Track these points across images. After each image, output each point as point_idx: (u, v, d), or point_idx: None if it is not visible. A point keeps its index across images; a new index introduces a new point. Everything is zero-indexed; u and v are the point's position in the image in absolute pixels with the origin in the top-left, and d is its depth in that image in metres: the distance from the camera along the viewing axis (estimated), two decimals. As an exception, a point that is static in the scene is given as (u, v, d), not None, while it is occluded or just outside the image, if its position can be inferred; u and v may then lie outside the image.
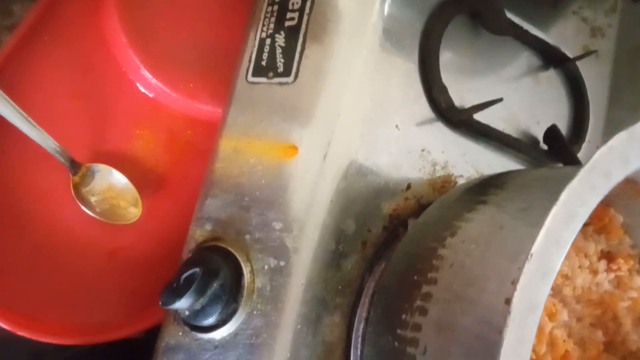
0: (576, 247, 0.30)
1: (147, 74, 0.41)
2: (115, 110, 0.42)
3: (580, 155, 0.46)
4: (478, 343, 0.21)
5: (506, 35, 0.42)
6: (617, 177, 0.21)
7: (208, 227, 0.35)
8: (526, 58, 0.45)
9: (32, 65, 0.40)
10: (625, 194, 0.31)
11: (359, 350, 0.32)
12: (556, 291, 0.29)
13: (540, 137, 0.44)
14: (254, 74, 0.36)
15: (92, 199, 0.40)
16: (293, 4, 0.36)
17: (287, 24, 0.36)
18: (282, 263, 0.32)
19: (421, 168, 0.38)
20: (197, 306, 0.30)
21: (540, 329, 0.26)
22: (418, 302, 0.25)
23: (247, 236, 0.33)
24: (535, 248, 0.20)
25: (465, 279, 0.23)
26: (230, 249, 0.33)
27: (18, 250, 0.39)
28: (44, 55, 0.40)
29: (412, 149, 0.37)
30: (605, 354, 0.30)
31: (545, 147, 0.44)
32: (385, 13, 0.36)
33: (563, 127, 0.46)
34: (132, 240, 0.41)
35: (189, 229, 0.35)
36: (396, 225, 0.36)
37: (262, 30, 0.37)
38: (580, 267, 0.30)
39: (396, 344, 0.26)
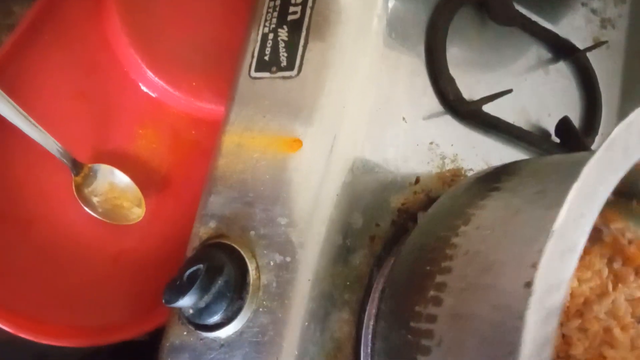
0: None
1: (150, 73, 0.41)
2: (117, 110, 0.42)
3: (593, 148, 0.45)
4: (497, 330, 0.20)
5: (514, 26, 0.42)
6: (637, 152, 0.21)
7: (212, 224, 0.34)
8: (535, 49, 0.44)
9: (32, 65, 0.40)
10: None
11: (369, 348, 0.31)
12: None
13: (552, 130, 0.43)
14: (257, 69, 0.36)
15: (95, 200, 0.40)
16: (296, -2, 0.36)
17: (290, 18, 0.36)
18: (288, 259, 0.31)
19: (430, 161, 0.37)
20: (202, 304, 0.30)
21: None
22: (432, 293, 0.24)
23: (252, 232, 0.32)
24: (557, 225, 0.19)
25: (481, 266, 0.23)
26: (235, 245, 0.32)
27: (21, 252, 0.38)
28: (44, 55, 0.40)
29: (420, 142, 0.37)
30: None
31: (557, 139, 0.43)
32: (390, 4, 0.36)
33: (574, 119, 0.45)
34: (136, 241, 0.41)
35: (193, 227, 0.35)
36: (405, 220, 0.35)
37: (264, 25, 0.37)
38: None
39: (409, 336, 0.25)
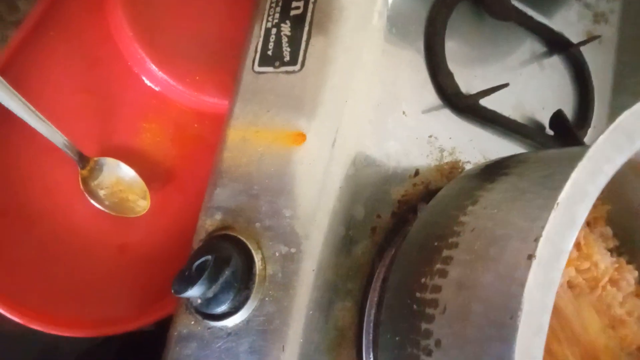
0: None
1: (153, 67, 0.42)
2: (122, 104, 0.42)
3: (586, 140, 0.46)
4: (500, 297, 0.22)
5: (510, 21, 0.42)
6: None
7: (218, 216, 0.35)
8: (530, 44, 0.45)
9: (38, 61, 0.40)
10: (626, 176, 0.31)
11: (370, 335, 0.32)
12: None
13: (546, 123, 0.44)
14: (260, 64, 0.37)
15: (101, 193, 0.40)
16: (298, -7, 0.37)
17: (293, 13, 0.36)
18: (293, 250, 0.32)
19: (429, 154, 0.38)
20: (209, 294, 0.31)
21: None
22: (438, 266, 0.25)
23: (258, 224, 0.33)
24: (561, 198, 0.21)
25: (487, 240, 0.24)
26: (240, 237, 0.33)
27: (28, 244, 0.39)
28: (50, 50, 0.41)
29: (419, 135, 0.37)
30: None
31: (551, 132, 0.44)
32: (390, 0, 0.36)
33: (568, 113, 0.46)
34: (142, 233, 0.41)
35: (199, 219, 0.35)
36: (405, 211, 0.36)
37: (267, 20, 0.37)
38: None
39: (415, 306, 0.26)
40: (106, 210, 0.40)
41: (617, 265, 0.31)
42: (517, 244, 0.22)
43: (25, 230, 0.39)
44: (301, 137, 0.34)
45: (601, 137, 0.22)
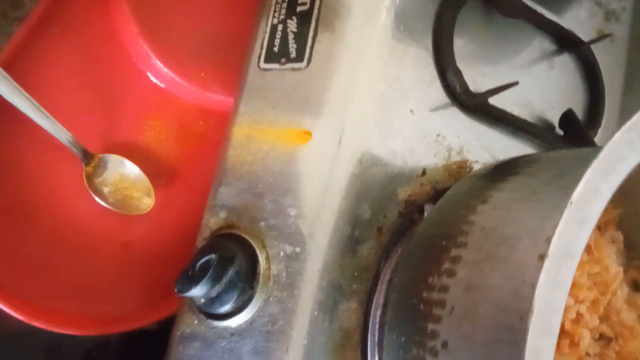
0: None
1: (158, 64, 0.41)
2: (126, 100, 0.42)
3: (596, 140, 0.46)
4: (509, 298, 0.21)
5: (519, 18, 0.42)
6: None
7: (222, 214, 0.34)
8: (540, 42, 0.44)
9: (43, 57, 0.40)
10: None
11: (376, 337, 0.32)
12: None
13: (556, 122, 0.44)
14: (266, 61, 0.36)
15: (105, 190, 0.40)
16: (305, -11, 0.36)
17: (299, 9, 0.36)
18: (297, 249, 0.32)
19: (436, 153, 0.37)
20: (213, 293, 0.30)
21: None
22: (446, 265, 0.25)
23: (262, 223, 0.33)
24: (574, 197, 0.20)
25: (496, 240, 0.23)
26: (245, 236, 0.32)
27: (32, 241, 0.39)
28: (54, 46, 0.40)
29: (426, 134, 0.37)
30: None
31: (561, 132, 0.44)
32: (398, -3, 0.36)
33: (578, 112, 0.45)
34: (146, 231, 0.41)
35: (203, 217, 0.35)
36: (412, 211, 0.35)
37: (273, 17, 0.37)
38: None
39: (422, 306, 0.26)
40: (110, 208, 0.40)
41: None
42: (528, 243, 0.22)
43: (28, 227, 0.39)
44: (307, 135, 0.33)
45: (615, 136, 0.21)
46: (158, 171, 0.42)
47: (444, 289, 0.25)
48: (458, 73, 0.38)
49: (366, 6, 0.35)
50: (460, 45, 0.39)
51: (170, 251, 0.41)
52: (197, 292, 0.30)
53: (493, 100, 0.39)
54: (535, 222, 0.22)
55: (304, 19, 0.35)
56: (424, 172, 0.37)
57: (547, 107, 0.44)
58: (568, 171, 0.22)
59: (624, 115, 0.49)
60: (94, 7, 0.41)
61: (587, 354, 0.28)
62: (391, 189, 0.35)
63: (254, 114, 0.35)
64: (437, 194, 0.36)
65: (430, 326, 0.25)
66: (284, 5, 0.36)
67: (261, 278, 0.31)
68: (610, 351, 0.29)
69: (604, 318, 0.29)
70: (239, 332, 0.32)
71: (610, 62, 0.49)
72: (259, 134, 0.35)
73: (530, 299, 0.20)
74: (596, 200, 0.21)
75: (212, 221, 0.34)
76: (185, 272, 0.31)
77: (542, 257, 0.20)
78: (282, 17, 0.36)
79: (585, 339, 0.26)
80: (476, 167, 0.39)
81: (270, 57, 0.36)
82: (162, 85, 0.42)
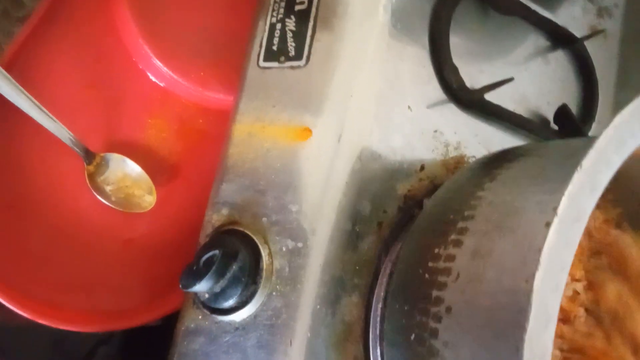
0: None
1: (158, 63, 0.42)
2: (127, 100, 0.42)
3: (590, 135, 0.46)
4: (516, 262, 0.22)
5: (514, 15, 0.42)
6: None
7: (224, 211, 0.35)
8: (535, 39, 0.45)
9: (44, 57, 0.40)
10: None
11: (377, 329, 0.33)
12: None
13: (551, 117, 0.44)
14: (265, 59, 0.36)
15: (107, 188, 0.40)
16: (303, -12, 0.36)
17: (297, 8, 0.36)
18: (299, 244, 0.32)
19: (434, 149, 0.38)
20: (217, 289, 0.31)
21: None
22: (453, 237, 0.25)
23: (264, 219, 0.33)
24: (585, 162, 0.21)
25: (504, 211, 0.24)
26: (247, 232, 0.33)
27: (36, 239, 0.39)
28: (55, 47, 0.41)
29: (424, 130, 0.37)
30: None
31: (555, 127, 0.44)
32: (395, -6, 0.36)
33: (573, 107, 0.46)
34: (148, 228, 0.42)
35: (205, 214, 0.35)
36: (411, 206, 0.36)
37: (272, 15, 0.37)
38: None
39: (427, 275, 0.26)
40: (112, 206, 0.40)
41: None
42: (536, 213, 0.22)
43: (32, 224, 0.39)
44: (307, 132, 0.34)
45: (626, 109, 0.22)
46: (159, 169, 0.42)
47: (450, 258, 0.25)
48: (454, 70, 0.38)
49: (363, 4, 0.35)
50: (457, 43, 0.39)
51: (172, 247, 0.41)
52: (202, 287, 0.30)
53: (489, 96, 0.39)
54: (545, 194, 0.22)
55: (302, 17, 0.36)
56: (422, 168, 0.37)
57: (542, 102, 0.45)
58: (579, 152, 0.22)
59: (618, 109, 0.50)
60: (95, 6, 0.42)
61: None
62: (391, 185, 0.36)
63: (254, 112, 0.36)
64: (435, 189, 0.36)
65: (435, 293, 0.25)
66: (282, 4, 0.37)
67: (264, 273, 0.32)
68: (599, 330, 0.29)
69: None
70: (243, 327, 0.32)
71: (603, 57, 0.49)
72: (259, 131, 0.35)
73: (536, 261, 0.20)
74: (606, 168, 0.21)
75: (215, 218, 0.35)
76: (189, 267, 0.31)
77: (548, 225, 0.21)
78: (280, 16, 0.37)
79: (581, 317, 0.27)
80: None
81: (270, 55, 0.36)
82: (162, 85, 0.43)
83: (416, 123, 0.37)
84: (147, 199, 0.41)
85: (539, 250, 0.21)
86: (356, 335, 0.33)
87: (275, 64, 0.36)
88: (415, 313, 0.26)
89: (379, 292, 0.33)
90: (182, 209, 0.42)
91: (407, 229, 0.35)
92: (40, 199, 0.40)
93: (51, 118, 0.37)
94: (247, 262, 0.31)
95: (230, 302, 0.31)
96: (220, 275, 0.30)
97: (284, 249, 0.32)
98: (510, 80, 0.39)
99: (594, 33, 0.47)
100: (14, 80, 0.36)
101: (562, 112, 0.44)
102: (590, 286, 0.28)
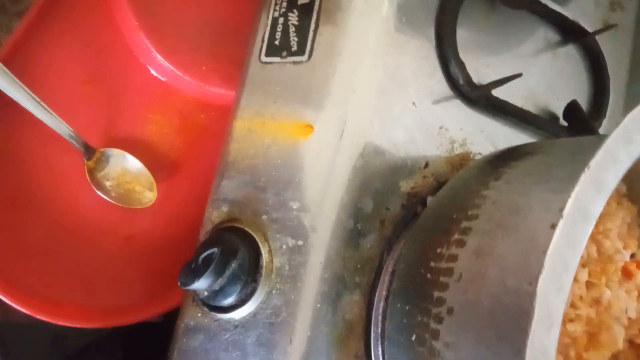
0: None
1: (159, 57, 0.41)
2: (127, 94, 0.42)
3: (601, 131, 0.45)
4: (519, 261, 0.21)
5: (523, 9, 0.42)
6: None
7: (224, 208, 0.34)
8: (544, 33, 0.44)
9: (43, 51, 0.40)
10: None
11: (379, 328, 0.32)
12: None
13: (560, 113, 0.44)
14: (267, 54, 0.36)
15: (107, 184, 0.40)
16: (306, -18, 0.36)
17: (300, 2, 0.36)
18: (300, 242, 0.32)
19: (439, 145, 0.37)
20: (216, 286, 0.30)
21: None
22: (456, 236, 0.25)
23: (264, 216, 0.33)
24: (593, 162, 0.20)
25: (508, 210, 0.23)
26: (247, 229, 0.32)
27: (36, 235, 0.39)
28: (54, 41, 0.40)
29: (429, 126, 0.37)
30: None
31: (565, 123, 0.43)
32: (400, -12, 0.36)
33: (583, 103, 0.45)
34: (149, 224, 0.41)
35: (205, 211, 0.35)
36: (415, 204, 0.35)
37: (274, 10, 0.37)
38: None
39: (429, 275, 0.26)
40: (113, 202, 0.40)
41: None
42: (541, 213, 0.22)
43: (31, 220, 0.39)
44: (308, 128, 0.33)
45: (637, 109, 0.21)
46: (160, 164, 0.42)
47: (453, 258, 0.25)
48: (461, 64, 0.38)
49: (368, -2, 0.35)
50: (463, 36, 0.38)
51: (173, 244, 0.41)
52: (201, 285, 0.30)
53: (497, 92, 0.38)
54: (550, 193, 0.22)
55: (305, 11, 0.35)
56: (426, 165, 0.36)
57: (552, 98, 0.44)
58: (587, 150, 0.22)
59: (629, 106, 0.49)
60: (93, 1, 0.41)
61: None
62: (394, 182, 0.35)
63: (255, 108, 0.35)
64: (439, 187, 0.36)
65: (436, 293, 0.25)
66: (285, -2, 0.36)
67: (264, 271, 0.31)
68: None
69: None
70: (242, 324, 0.32)
71: (615, 52, 0.48)
72: (260, 127, 0.35)
73: (540, 262, 0.20)
74: (614, 167, 0.21)
75: (215, 214, 0.34)
76: (188, 265, 0.31)
77: (554, 226, 0.20)
78: (283, 10, 0.36)
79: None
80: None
81: (272, 50, 0.36)
82: (163, 79, 0.42)
83: (420, 119, 0.36)
84: (148, 195, 0.41)
85: (544, 251, 0.20)
86: (357, 334, 0.33)
87: (277, 59, 0.36)
88: (417, 313, 0.26)
89: (381, 290, 0.33)
90: (183, 205, 0.42)
91: (410, 226, 0.34)
92: (39, 195, 0.39)
93: (50, 113, 0.37)
94: (246, 260, 0.31)
95: (229, 300, 0.31)
96: (219, 273, 0.30)
97: (284, 246, 0.32)
98: (518, 75, 0.39)
99: (606, 27, 0.46)
100: (12, 75, 0.36)
101: (571, 108, 0.43)
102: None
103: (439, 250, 0.26)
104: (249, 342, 0.31)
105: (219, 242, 0.31)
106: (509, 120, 0.40)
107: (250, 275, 0.31)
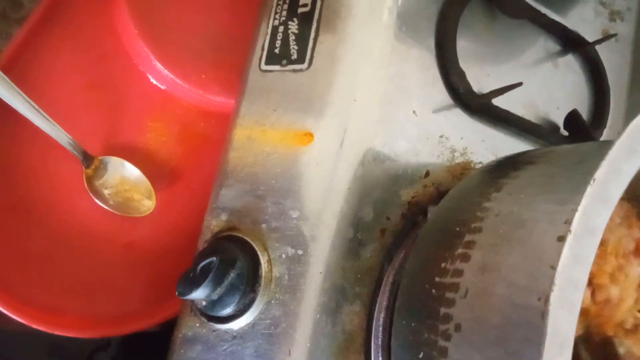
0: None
1: (159, 66, 0.41)
2: (127, 102, 0.42)
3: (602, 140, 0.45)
4: (527, 277, 0.21)
5: (523, 19, 0.42)
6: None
7: (223, 217, 0.34)
8: (544, 42, 0.44)
9: (43, 58, 0.40)
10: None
11: (379, 340, 0.32)
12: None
13: (560, 123, 0.43)
14: (267, 62, 0.36)
15: (106, 192, 0.40)
16: (306, -10, 0.36)
17: (300, 10, 0.36)
18: (299, 252, 0.31)
19: (440, 154, 0.37)
20: (214, 296, 0.30)
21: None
22: (460, 250, 0.25)
23: (264, 225, 0.33)
24: (598, 174, 0.20)
25: (513, 223, 0.23)
26: (246, 238, 0.32)
27: (33, 244, 0.39)
28: (54, 48, 0.40)
29: (430, 135, 0.37)
30: None
31: (565, 132, 0.43)
32: (400, -4, 0.36)
33: (583, 113, 0.45)
34: (148, 233, 0.41)
35: (204, 220, 0.35)
36: (415, 213, 0.35)
37: (274, 18, 0.37)
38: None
39: (434, 291, 0.25)
40: (111, 210, 0.40)
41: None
42: (547, 225, 0.21)
43: (29, 228, 0.39)
44: (308, 137, 0.33)
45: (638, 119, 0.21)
46: (159, 173, 0.42)
47: (458, 273, 0.24)
48: (461, 74, 0.37)
49: (368, 7, 0.35)
50: (464, 46, 0.38)
51: (173, 252, 0.41)
52: (199, 294, 0.29)
53: (497, 101, 0.38)
54: (554, 205, 0.22)
55: (305, 20, 0.35)
56: (427, 174, 0.36)
57: (552, 107, 0.44)
58: (590, 158, 0.22)
59: (630, 115, 0.49)
60: (95, 8, 0.41)
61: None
62: (394, 191, 0.35)
63: (255, 116, 0.35)
64: (440, 196, 0.35)
65: (443, 310, 0.24)
66: (285, 7, 0.36)
67: (263, 281, 0.31)
68: None
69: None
70: (240, 335, 0.31)
71: (615, 61, 0.48)
72: (260, 135, 0.34)
73: (550, 278, 0.20)
74: (619, 179, 0.21)
75: (214, 223, 0.34)
76: (186, 274, 0.30)
77: (561, 239, 0.20)
78: (283, 18, 0.36)
79: None
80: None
81: (272, 58, 0.36)
82: (162, 87, 0.42)
83: (421, 128, 0.36)
84: (146, 203, 0.40)
85: (552, 266, 0.20)
86: (357, 345, 0.33)
87: (277, 67, 0.35)
88: (423, 330, 0.25)
89: (382, 301, 0.33)
90: (183, 213, 0.42)
91: (411, 236, 0.34)
92: (38, 203, 0.39)
93: (49, 121, 0.37)
94: (245, 270, 0.31)
95: (227, 310, 0.31)
96: (217, 282, 0.29)
97: (283, 256, 0.32)
98: (518, 85, 0.38)
99: (605, 37, 0.46)
100: (11, 83, 0.35)
101: (572, 118, 0.43)
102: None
103: (443, 264, 0.25)
104: (247, 353, 0.31)
105: (218, 251, 0.31)
106: (510, 130, 0.40)
107: (249, 285, 0.31)
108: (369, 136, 0.34)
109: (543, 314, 0.19)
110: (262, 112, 0.35)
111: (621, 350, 0.25)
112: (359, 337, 0.32)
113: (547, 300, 0.19)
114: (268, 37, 0.36)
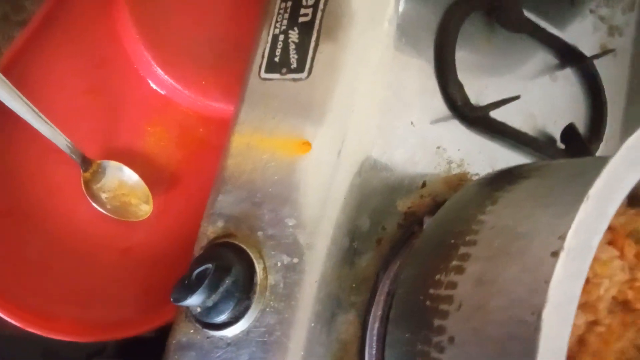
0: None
1: (159, 71, 0.41)
2: (126, 107, 0.42)
3: (598, 155, 0.45)
4: (522, 292, 0.21)
5: (523, 32, 0.42)
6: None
7: (220, 223, 0.34)
8: (543, 56, 0.44)
9: (43, 61, 0.40)
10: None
11: (374, 349, 0.32)
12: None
13: (557, 136, 0.44)
14: (267, 70, 0.36)
15: (103, 196, 0.40)
16: (307, 0, 0.36)
17: (301, 20, 0.36)
18: (295, 260, 0.31)
19: (437, 165, 0.37)
20: (209, 303, 0.30)
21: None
22: (454, 262, 0.25)
23: (260, 233, 0.33)
24: (592, 191, 0.20)
25: (508, 237, 0.23)
26: (242, 245, 0.32)
27: (30, 247, 0.39)
28: (55, 52, 0.40)
29: (427, 145, 0.37)
30: None
31: (562, 146, 0.44)
32: (401, 8, 0.36)
33: (580, 127, 0.45)
34: (145, 238, 0.41)
35: (201, 226, 0.35)
36: (411, 223, 0.35)
37: (275, 27, 0.37)
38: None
39: (428, 302, 0.25)
40: (108, 214, 0.40)
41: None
42: (542, 240, 0.21)
43: (26, 232, 0.39)
44: (306, 145, 0.33)
45: (636, 134, 0.21)
46: (158, 177, 0.42)
47: (452, 285, 0.24)
48: (459, 86, 0.38)
49: (368, 17, 0.35)
50: (463, 58, 0.38)
51: (169, 258, 0.41)
52: (193, 301, 0.30)
53: (494, 114, 0.39)
54: (550, 218, 0.22)
55: (306, 29, 0.36)
56: (424, 184, 0.36)
57: (549, 120, 0.44)
58: (586, 176, 0.22)
59: (627, 129, 0.49)
60: (96, 12, 0.42)
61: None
62: (390, 201, 0.35)
63: (254, 123, 0.35)
64: (437, 207, 0.36)
65: (436, 322, 0.24)
66: (286, 16, 0.37)
67: (258, 288, 0.31)
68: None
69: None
70: (235, 342, 0.31)
71: (613, 76, 0.48)
72: (258, 143, 0.35)
73: (543, 293, 0.20)
74: (614, 194, 0.21)
75: (210, 229, 0.34)
76: (181, 281, 0.31)
77: (555, 254, 0.20)
78: (283, 27, 0.36)
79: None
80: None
81: (271, 67, 0.36)
82: (162, 92, 0.43)
83: (419, 139, 0.36)
84: (144, 208, 0.40)
85: (546, 281, 0.20)
86: (352, 355, 0.33)
87: (276, 76, 0.36)
88: (417, 341, 0.26)
89: (377, 310, 0.33)
90: (181, 219, 0.42)
91: (407, 246, 0.34)
92: (35, 206, 0.39)
93: (48, 124, 0.37)
94: (240, 277, 0.31)
95: (222, 317, 0.31)
96: (212, 289, 0.30)
97: (279, 264, 0.32)
98: (516, 98, 0.39)
99: (604, 52, 0.46)
100: (11, 85, 0.35)
101: (569, 131, 0.43)
102: None
103: (437, 276, 0.25)
104: (241, 360, 0.31)
105: (214, 258, 0.31)
106: (507, 142, 0.41)
107: (244, 292, 0.31)
108: (366, 146, 0.34)
109: (536, 329, 0.19)
110: (261, 119, 0.35)
111: None
112: (353, 346, 0.32)
113: (540, 315, 0.19)
114: (268, 45, 0.37)
